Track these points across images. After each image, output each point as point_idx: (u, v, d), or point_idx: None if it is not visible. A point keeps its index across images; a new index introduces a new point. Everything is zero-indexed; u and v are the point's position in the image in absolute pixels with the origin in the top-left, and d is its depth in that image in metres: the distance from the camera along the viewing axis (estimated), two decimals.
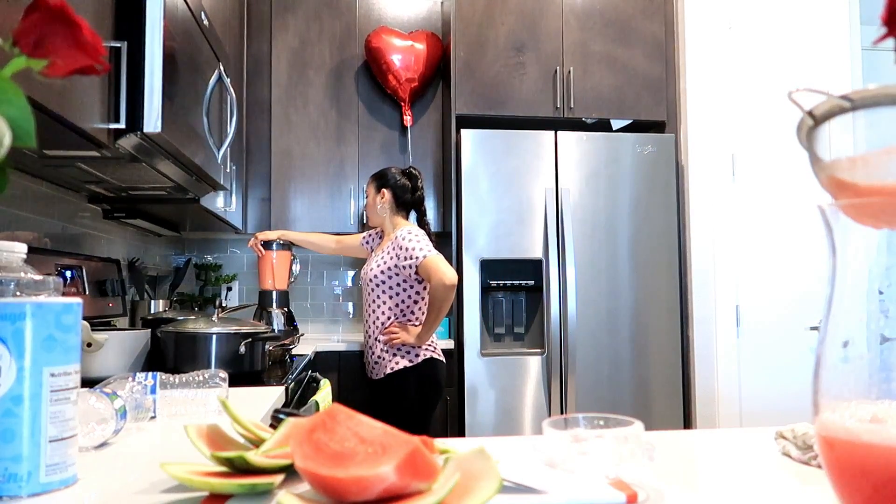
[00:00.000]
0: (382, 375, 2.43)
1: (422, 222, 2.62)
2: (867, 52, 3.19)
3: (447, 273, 2.30)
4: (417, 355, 2.42)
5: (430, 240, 2.47)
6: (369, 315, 2.51)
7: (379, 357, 2.45)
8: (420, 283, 2.45)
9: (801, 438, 0.77)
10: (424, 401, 2.42)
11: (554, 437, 0.65)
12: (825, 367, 0.54)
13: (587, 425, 0.70)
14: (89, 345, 1.46)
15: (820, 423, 0.52)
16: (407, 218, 2.60)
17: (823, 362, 0.54)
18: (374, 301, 2.48)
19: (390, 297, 2.45)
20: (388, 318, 2.45)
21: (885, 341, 0.53)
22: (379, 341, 2.46)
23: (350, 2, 3.41)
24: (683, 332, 3.10)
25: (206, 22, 1.90)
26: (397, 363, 2.41)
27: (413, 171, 2.60)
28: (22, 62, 0.52)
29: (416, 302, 2.46)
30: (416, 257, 2.35)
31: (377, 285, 2.46)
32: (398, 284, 2.44)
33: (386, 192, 2.53)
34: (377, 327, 2.47)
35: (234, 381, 1.41)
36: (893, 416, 0.50)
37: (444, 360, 2.52)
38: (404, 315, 2.45)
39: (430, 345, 2.46)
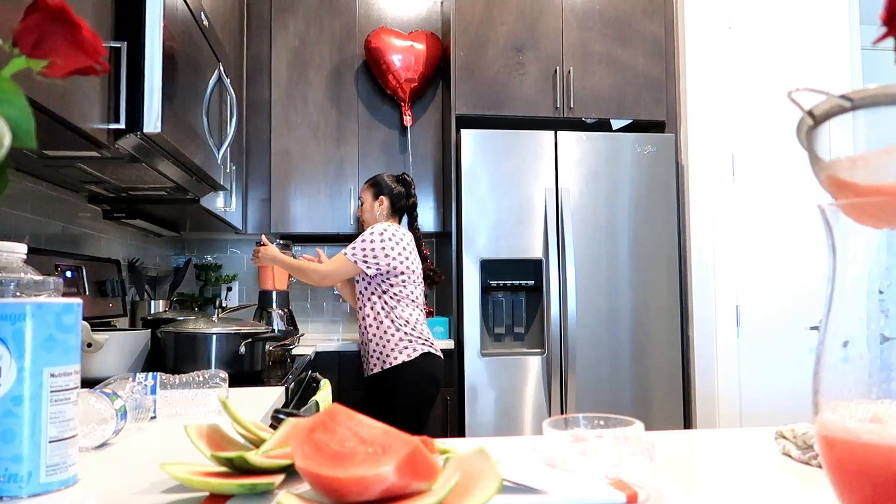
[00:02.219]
0: (379, 370, 2.47)
1: (412, 227, 2.73)
2: (867, 52, 3.19)
3: (329, 275, 2.50)
4: (415, 349, 2.44)
5: (419, 243, 2.64)
6: (360, 312, 2.56)
7: (373, 352, 2.49)
8: (398, 278, 2.50)
9: (801, 438, 0.77)
10: (421, 396, 2.44)
11: (554, 437, 0.65)
12: (825, 367, 0.54)
13: (587, 425, 0.70)
14: (89, 345, 1.46)
15: (820, 423, 0.52)
16: (399, 221, 2.71)
17: (823, 362, 0.54)
18: (361, 298, 2.54)
19: (373, 293, 2.50)
20: (376, 316, 2.49)
21: (885, 341, 0.52)
22: (372, 339, 2.49)
23: (350, 2, 3.41)
24: (683, 332, 3.10)
25: (205, 22, 1.90)
26: (395, 359, 2.44)
27: (406, 178, 2.72)
28: (22, 62, 0.52)
29: (399, 300, 2.50)
30: (346, 250, 2.49)
31: (360, 280, 2.54)
32: (380, 284, 2.50)
33: (384, 200, 2.64)
34: (367, 324, 2.51)
35: (234, 382, 1.41)
36: (893, 416, 0.50)
37: (442, 357, 2.55)
38: (393, 311, 2.49)
39: (426, 340, 2.49)
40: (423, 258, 2.66)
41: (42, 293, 0.67)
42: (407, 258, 2.51)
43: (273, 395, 1.49)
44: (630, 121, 3.21)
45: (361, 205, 2.68)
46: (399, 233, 2.53)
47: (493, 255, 2.97)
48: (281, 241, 2.95)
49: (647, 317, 3.05)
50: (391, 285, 2.49)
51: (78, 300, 0.70)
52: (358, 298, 2.57)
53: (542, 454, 0.65)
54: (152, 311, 2.66)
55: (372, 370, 2.50)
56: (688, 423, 3.07)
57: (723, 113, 3.13)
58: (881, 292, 0.53)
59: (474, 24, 3.14)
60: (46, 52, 0.52)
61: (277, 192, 3.31)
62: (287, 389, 1.68)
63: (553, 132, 3.04)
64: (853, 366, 0.53)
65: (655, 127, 3.28)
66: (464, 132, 2.99)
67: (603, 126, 3.25)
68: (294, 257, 3.03)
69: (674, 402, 3.05)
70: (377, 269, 2.46)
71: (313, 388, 1.92)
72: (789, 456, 0.78)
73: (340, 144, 3.37)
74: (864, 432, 0.49)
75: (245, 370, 1.78)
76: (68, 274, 1.83)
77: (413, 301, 2.54)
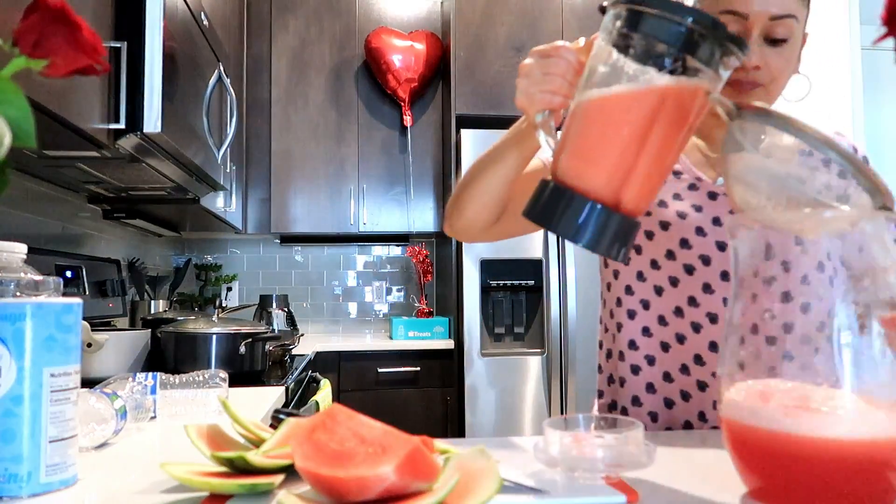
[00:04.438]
0: None
1: None
2: (867, 51, 3.19)
3: None
4: None
5: None
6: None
7: None
8: None
9: None
10: None
11: (554, 437, 0.65)
12: (728, 349, 0.61)
13: (587, 426, 0.69)
14: (89, 345, 1.46)
15: (724, 404, 0.60)
16: None
17: (727, 344, 0.61)
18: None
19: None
20: None
21: (789, 330, 0.58)
22: None
23: (350, 2, 3.41)
24: None
25: (206, 22, 1.90)
26: None
27: None
28: (22, 62, 0.52)
29: None
30: None
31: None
32: None
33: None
34: None
35: (234, 381, 1.41)
36: (779, 395, 0.56)
37: None
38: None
39: None
40: None
41: (42, 293, 0.67)
42: None
43: (273, 395, 1.49)
44: None
45: (785, 42, 0.93)
46: None
47: (493, 255, 2.97)
48: None
49: None
50: None
51: (78, 300, 0.70)
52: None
53: (542, 454, 0.65)
54: (152, 311, 2.66)
55: None
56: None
57: None
58: (774, 279, 0.61)
59: (474, 24, 3.14)
60: (46, 52, 0.52)
61: (277, 192, 3.31)
62: (287, 389, 1.68)
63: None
64: (752, 349, 0.59)
65: None
66: (464, 132, 2.99)
67: None
68: None
69: None
70: None
71: (313, 388, 1.92)
72: None
73: (340, 144, 3.37)
74: (748, 413, 0.56)
75: (245, 370, 1.78)
76: (68, 274, 1.83)
77: None
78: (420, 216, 3.39)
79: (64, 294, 0.69)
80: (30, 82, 0.97)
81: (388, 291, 3.72)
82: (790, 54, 0.95)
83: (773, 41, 0.93)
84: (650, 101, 0.62)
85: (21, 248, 0.69)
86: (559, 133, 0.70)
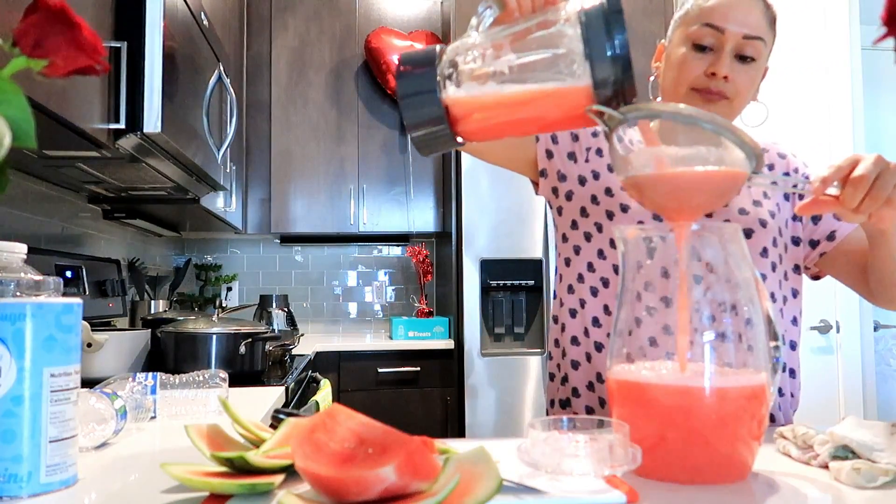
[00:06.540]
0: None
1: None
2: (867, 51, 3.19)
3: None
4: None
5: None
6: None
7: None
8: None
9: (801, 438, 0.77)
10: None
11: (538, 438, 0.65)
12: (620, 337, 0.74)
13: (571, 427, 0.69)
14: (89, 345, 1.46)
15: (613, 372, 0.73)
16: None
17: (617, 333, 0.74)
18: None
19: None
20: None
21: (667, 332, 0.71)
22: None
23: (350, 2, 3.41)
24: None
25: (205, 22, 1.90)
26: None
27: None
28: (22, 62, 0.52)
29: None
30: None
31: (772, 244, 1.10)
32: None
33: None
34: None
35: (234, 381, 1.41)
36: (660, 369, 0.70)
37: None
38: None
39: None
40: None
41: (42, 293, 0.67)
42: None
43: (273, 395, 1.49)
44: None
45: (753, 61, 1.06)
46: None
47: (493, 255, 2.97)
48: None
49: None
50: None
51: (78, 300, 0.70)
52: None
53: (526, 456, 0.64)
54: (152, 311, 2.66)
55: None
56: None
57: None
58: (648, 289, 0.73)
59: None
60: (46, 52, 0.52)
61: (277, 192, 3.31)
62: (287, 389, 1.68)
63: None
64: (639, 340, 0.73)
65: None
66: None
67: None
68: None
69: None
70: None
71: (313, 388, 1.92)
72: (789, 456, 0.78)
73: (340, 144, 3.37)
74: (647, 376, 0.69)
75: (245, 370, 1.78)
76: (68, 274, 1.83)
77: None
78: (420, 216, 3.39)
79: (64, 294, 0.69)
80: (30, 82, 0.97)
81: (388, 291, 3.73)
82: (755, 75, 1.06)
83: (743, 58, 1.04)
84: (554, 87, 0.69)
85: (21, 248, 0.69)
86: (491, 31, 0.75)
